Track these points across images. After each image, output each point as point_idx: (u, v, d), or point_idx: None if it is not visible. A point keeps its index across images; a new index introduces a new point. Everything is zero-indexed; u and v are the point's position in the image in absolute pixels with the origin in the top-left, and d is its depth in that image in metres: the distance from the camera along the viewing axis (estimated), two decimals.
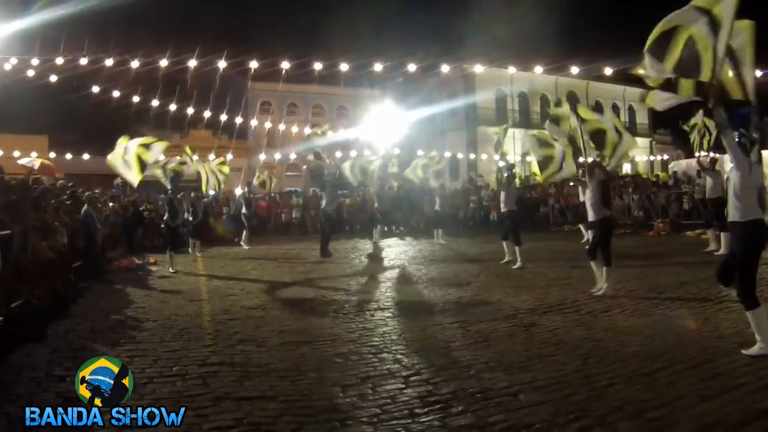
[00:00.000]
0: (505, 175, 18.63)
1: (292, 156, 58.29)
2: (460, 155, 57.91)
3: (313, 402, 6.64)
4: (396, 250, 24.53)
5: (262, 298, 13.61)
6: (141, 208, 29.51)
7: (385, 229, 34.68)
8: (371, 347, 8.93)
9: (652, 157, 69.11)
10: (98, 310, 12.50)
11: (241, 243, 27.04)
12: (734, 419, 5.87)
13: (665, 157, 63.95)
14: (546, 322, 10.37)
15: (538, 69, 34.30)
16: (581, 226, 22.95)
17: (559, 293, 13.00)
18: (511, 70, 44.25)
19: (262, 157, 54.52)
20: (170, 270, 18.82)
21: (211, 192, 32.31)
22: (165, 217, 19.71)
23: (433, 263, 19.53)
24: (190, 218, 22.36)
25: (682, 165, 37.34)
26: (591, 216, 12.95)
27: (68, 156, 44.86)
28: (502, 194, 18.55)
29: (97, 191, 21.00)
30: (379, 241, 27.58)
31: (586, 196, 13.18)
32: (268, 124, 50.53)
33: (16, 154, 37.57)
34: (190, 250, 24.20)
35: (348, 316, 11.32)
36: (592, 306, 11.54)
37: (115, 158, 18.81)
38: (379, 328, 10.31)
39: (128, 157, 18.64)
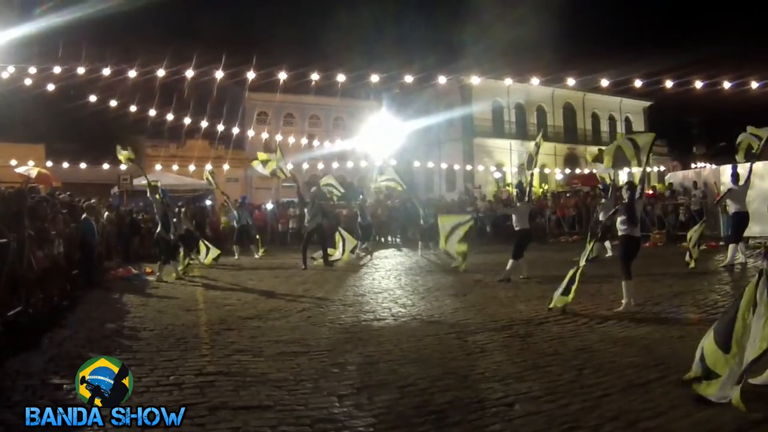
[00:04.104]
0: (516, 192, 18.27)
1: (289, 166, 58.17)
2: (456, 166, 57.99)
3: (309, 412, 6.66)
4: (392, 261, 24.56)
5: (258, 308, 13.60)
6: (137, 218, 29.53)
7: (381, 240, 34.76)
8: (367, 357, 8.95)
9: (648, 169, 69.13)
10: (94, 319, 12.51)
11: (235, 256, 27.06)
12: (728, 429, 5.91)
13: (662, 168, 64.10)
14: (542, 332, 10.40)
15: (535, 80, 34.35)
16: (606, 244, 22.68)
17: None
18: (508, 81, 44.22)
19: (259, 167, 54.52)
20: (155, 279, 18.88)
21: (208, 202, 32.39)
22: (158, 229, 19.67)
23: (429, 274, 19.55)
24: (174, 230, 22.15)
25: (678, 176, 37.35)
26: (620, 230, 12.88)
27: (65, 165, 44.85)
28: (514, 213, 18.04)
29: (93, 200, 21.03)
30: (361, 252, 27.48)
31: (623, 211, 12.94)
32: (264, 135, 50.60)
33: (13, 162, 37.57)
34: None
35: (344, 326, 11.33)
36: (587, 317, 11.58)
37: None
38: (375, 338, 10.33)
39: None
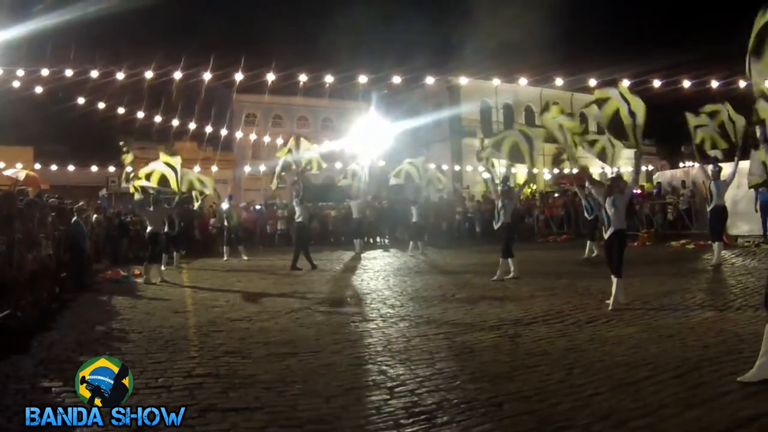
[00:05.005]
0: (502, 188, 18.25)
1: (278, 168, 57.88)
2: (445, 167, 57.95)
3: (298, 413, 6.64)
4: (381, 262, 24.56)
5: (247, 309, 13.60)
6: (126, 220, 29.47)
7: (370, 240, 34.76)
8: (356, 358, 8.94)
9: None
10: (84, 322, 12.49)
11: (224, 257, 27.01)
12: (719, 427, 5.90)
13: (650, 167, 64.25)
14: (531, 332, 10.40)
15: (523, 81, 34.44)
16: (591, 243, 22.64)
17: (544, 304, 13.04)
18: (496, 81, 44.33)
19: (247, 169, 54.55)
20: (143, 281, 18.86)
21: (197, 203, 32.34)
22: (150, 228, 19.67)
23: (417, 275, 19.54)
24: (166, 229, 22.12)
25: (666, 175, 37.46)
26: (616, 226, 12.80)
27: (53, 167, 44.84)
28: (500, 207, 17.84)
29: (82, 202, 21.01)
30: (360, 253, 27.55)
31: (609, 206, 12.82)
32: (253, 136, 50.57)
33: (1, 165, 37.51)
34: (174, 262, 24.20)
35: (333, 328, 11.31)
36: (576, 316, 11.59)
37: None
38: (363, 339, 10.33)
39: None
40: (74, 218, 18.28)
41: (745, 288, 14.21)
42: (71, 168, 45.93)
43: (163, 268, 20.57)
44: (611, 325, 10.74)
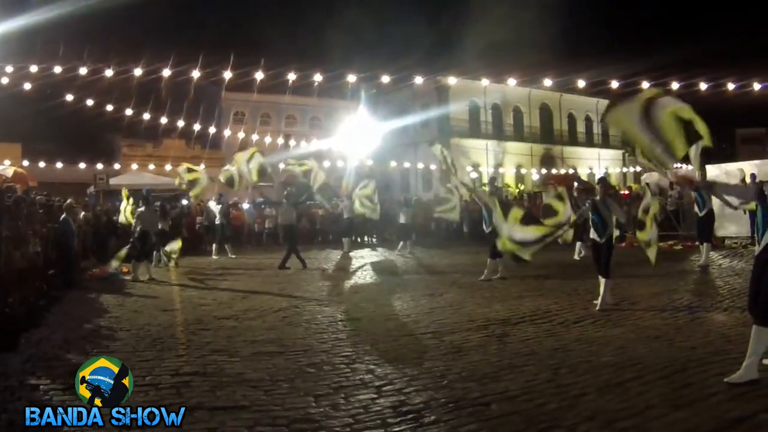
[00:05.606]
0: (489, 190, 18.14)
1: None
2: (432, 167, 57.90)
3: (285, 412, 6.64)
4: (369, 261, 24.52)
5: (234, 308, 13.56)
6: (114, 218, 29.37)
7: (358, 240, 34.75)
8: (344, 357, 8.94)
9: (624, 169, 69.49)
10: (72, 319, 12.44)
11: (213, 256, 26.94)
12: (706, 428, 5.93)
13: (638, 169, 64.33)
14: (518, 332, 10.42)
15: (512, 81, 34.37)
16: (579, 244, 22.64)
17: (531, 304, 13.06)
18: (485, 82, 44.27)
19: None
20: (131, 279, 18.82)
21: (184, 202, 32.26)
22: (140, 227, 19.64)
23: (405, 274, 19.57)
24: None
25: (654, 177, 37.41)
26: (610, 231, 12.84)
27: (41, 164, 44.67)
28: (487, 210, 17.54)
29: (70, 200, 20.93)
30: (349, 252, 27.56)
31: (604, 212, 12.85)
32: (241, 134, 50.46)
33: None
34: (162, 260, 24.10)
35: (320, 327, 11.31)
36: (564, 316, 11.61)
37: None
38: (351, 338, 10.32)
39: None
40: (63, 216, 18.22)
41: (732, 289, 14.27)
42: (59, 165, 45.77)
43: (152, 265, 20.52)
44: (599, 326, 10.77)
